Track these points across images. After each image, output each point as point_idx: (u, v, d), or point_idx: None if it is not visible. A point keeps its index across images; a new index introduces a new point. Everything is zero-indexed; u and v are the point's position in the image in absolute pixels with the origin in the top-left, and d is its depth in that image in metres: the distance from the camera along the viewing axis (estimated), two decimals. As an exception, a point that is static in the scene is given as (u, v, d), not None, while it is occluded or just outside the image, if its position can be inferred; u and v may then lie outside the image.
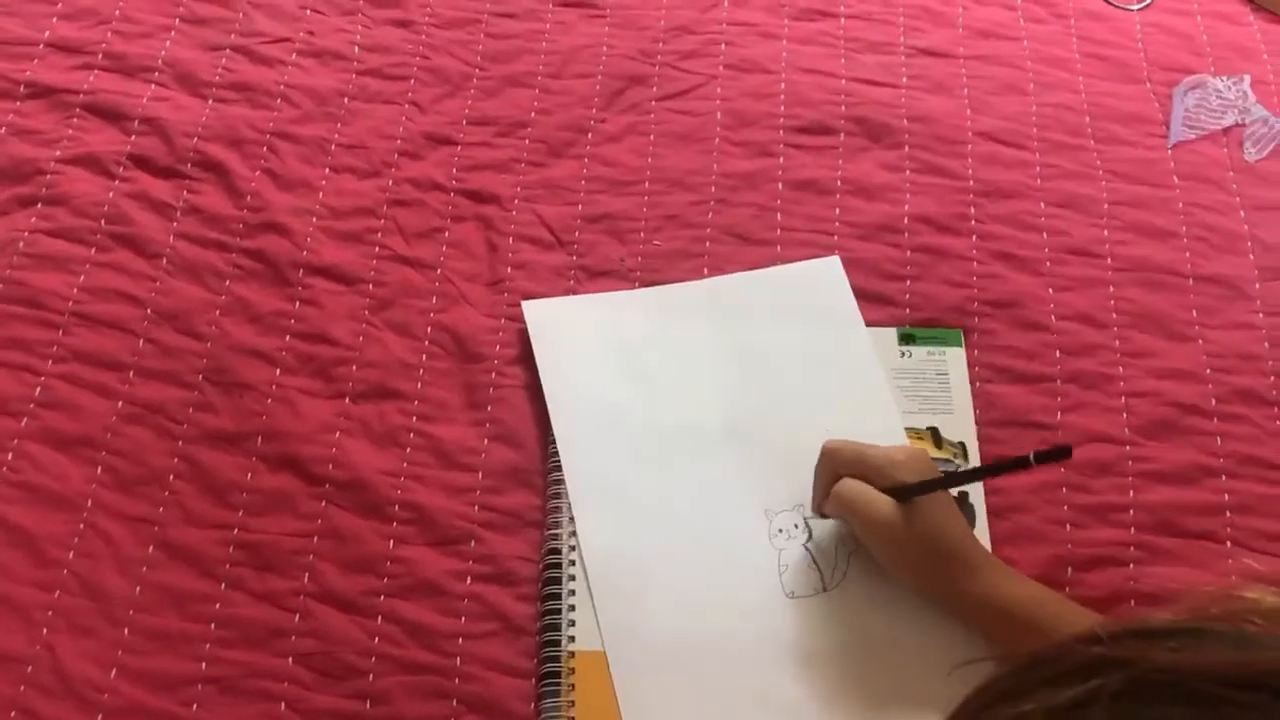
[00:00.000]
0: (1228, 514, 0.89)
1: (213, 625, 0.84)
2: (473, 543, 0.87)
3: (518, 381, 0.94)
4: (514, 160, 1.07)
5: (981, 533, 0.87)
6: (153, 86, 1.09)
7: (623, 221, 1.03)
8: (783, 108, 1.10)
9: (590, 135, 1.08)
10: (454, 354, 0.96)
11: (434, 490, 0.89)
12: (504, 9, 1.16)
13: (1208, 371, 0.96)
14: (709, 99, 1.11)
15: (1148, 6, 1.19)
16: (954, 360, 0.96)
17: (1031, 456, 0.77)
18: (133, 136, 1.06)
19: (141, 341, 0.95)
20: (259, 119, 1.07)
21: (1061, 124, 1.10)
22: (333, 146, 1.06)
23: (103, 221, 1.01)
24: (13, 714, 0.79)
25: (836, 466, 0.83)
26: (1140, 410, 0.94)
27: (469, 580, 0.86)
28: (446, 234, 1.02)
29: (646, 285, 1.00)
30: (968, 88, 1.12)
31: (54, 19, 1.13)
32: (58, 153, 1.05)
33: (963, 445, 0.92)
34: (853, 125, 1.09)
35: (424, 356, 0.96)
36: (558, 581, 0.85)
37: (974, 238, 1.03)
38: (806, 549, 0.87)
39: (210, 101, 1.08)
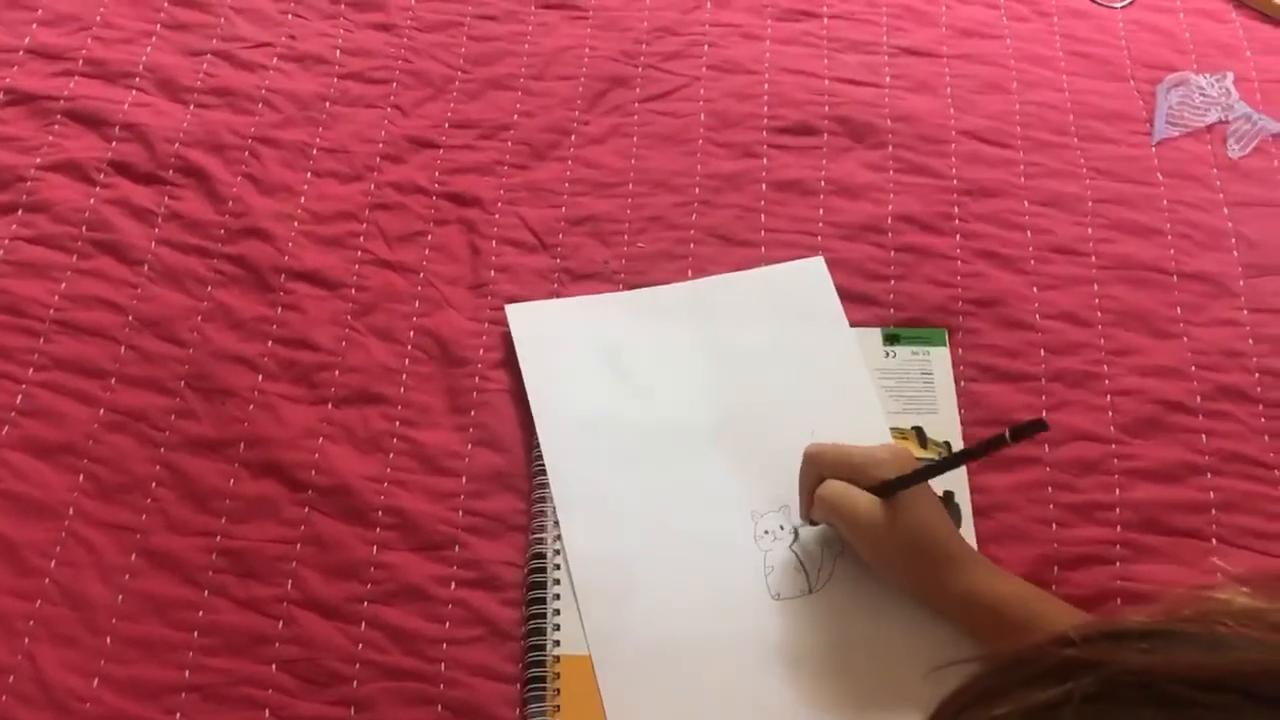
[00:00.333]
0: (1213, 511, 0.89)
1: (196, 633, 0.83)
2: (457, 548, 0.87)
3: (501, 385, 0.94)
4: (497, 163, 1.06)
5: (967, 532, 0.87)
6: (133, 92, 1.09)
7: (606, 224, 1.03)
8: (766, 108, 1.10)
9: (573, 137, 1.08)
10: (437, 358, 0.95)
11: (417, 495, 0.89)
12: (485, 11, 1.16)
13: (1192, 369, 0.96)
14: (692, 100, 1.11)
15: (1130, 4, 1.19)
16: (938, 360, 0.95)
17: (1008, 434, 0.76)
18: (113, 143, 1.05)
19: (123, 348, 0.95)
20: (240, 124, 1.07)
21: (1045, 122, 1.10)
22: (314, 151, 1.06)
23: (84, 228, 1.01)
24: (-6, 725, 0.79)
25: (820, 469, 0.83)
26: (1125, 408, 0.94)
27: (453, 585, 0.85)
28: (429, 237, 1.02)
29: (630, 287, 0.99)
30: (951, 87, 1.12)
31: (34, 25, 1.13)
32: (38, 159, 1.04)
33: (948, 444, 0.92)
34: (836, 125, 1.09)
35: (407, 361, 0.95)
36: (542, 586, 0.85)
37: (958, 237, 1.03)
38: (792, 551, 0.87)
39: (191, 107, 1.08)
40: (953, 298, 0.99)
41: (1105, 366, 0.96)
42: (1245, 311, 0.99)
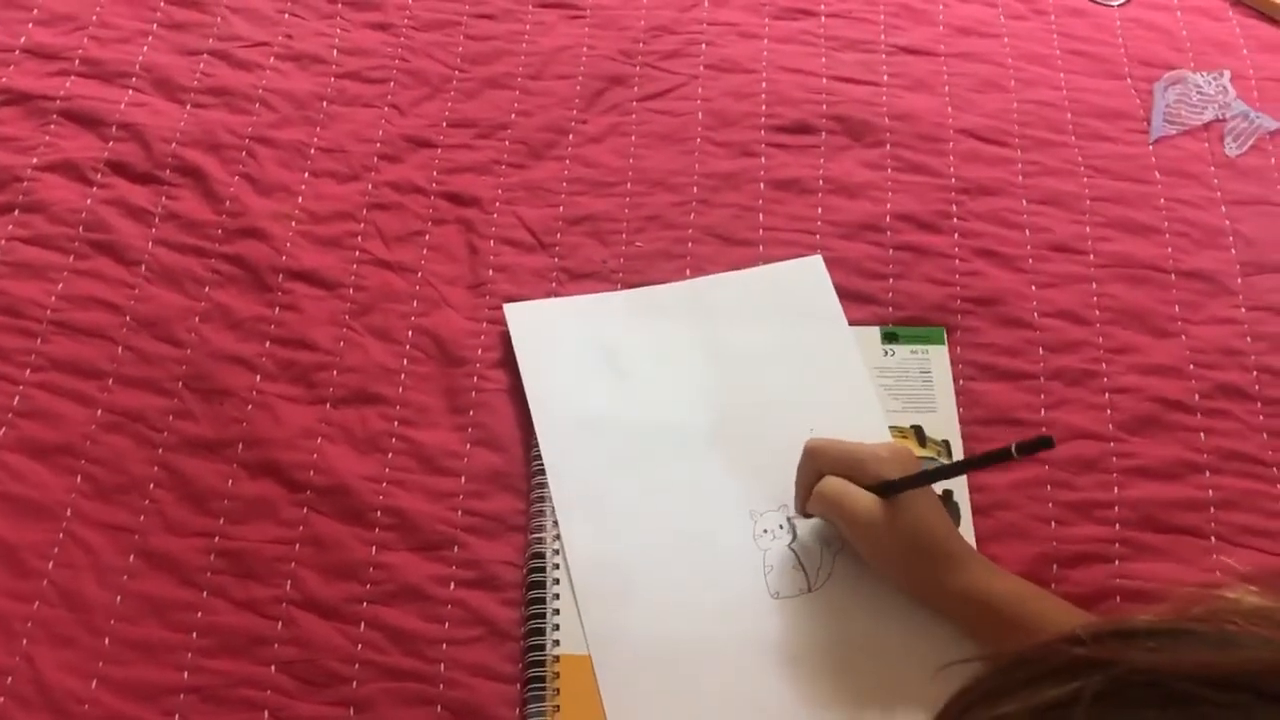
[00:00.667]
0: (1211, 509, 0.89)
1: (194, 634, 0.83)
2: (456, 548, 0.87)
3: (500, 385, 0.94)
4: (494, 162, 1.06)
5: (966, 530, 0.87)
6: (130, 92, 1.08)
7: (604, 223, 1.03)
8: (764, 107, 1.10)
9: (571, 136, 1.08)
10: (435, 358, 0.95)
11: (416, 495, 0.89)
12: (483, 10, 1.16)
13: (1190, 367, 0.96)
14: (690, 99, 1.11)
15: (1127, 3, 1.19)
16: (937, 358, 0.95)
17: (1013, 448, 0.76)
18: (110, 143, 1.05)
19: (120, 349, 0.94)
20: (237, 124, 1.07)
21: (1043, 120, 1.10)
22: (312, 150, 1.06)
23: (81, 228, 1.00)
24: (-8, 726, 0.79)
25: (819, 465, 0.83)
26: (1124, 406, 0.94)
27: (452, 585, 0.85)
28: (427, 237, 1.02)
29: (629, 287, 0.99)
30: (949, 85, 1.12)
31: (30, 25, 1.12)
32: (35, 160, 1.04)
33: (946, 443, 0.92)
34: (834, 124, 1.09)
35: (405, 361, 0.95)
36: (542, 585, 0.85)
37: (956, 235, 1.03)
38: (791, 549, 0.87)
39: (188, 107, 1.08)
40: (951, 296, 0.99)
41: (1104, 365, 0.96)
42: (1243, 309, 0.99)
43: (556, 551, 0.86)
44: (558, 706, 0.80)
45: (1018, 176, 1.06)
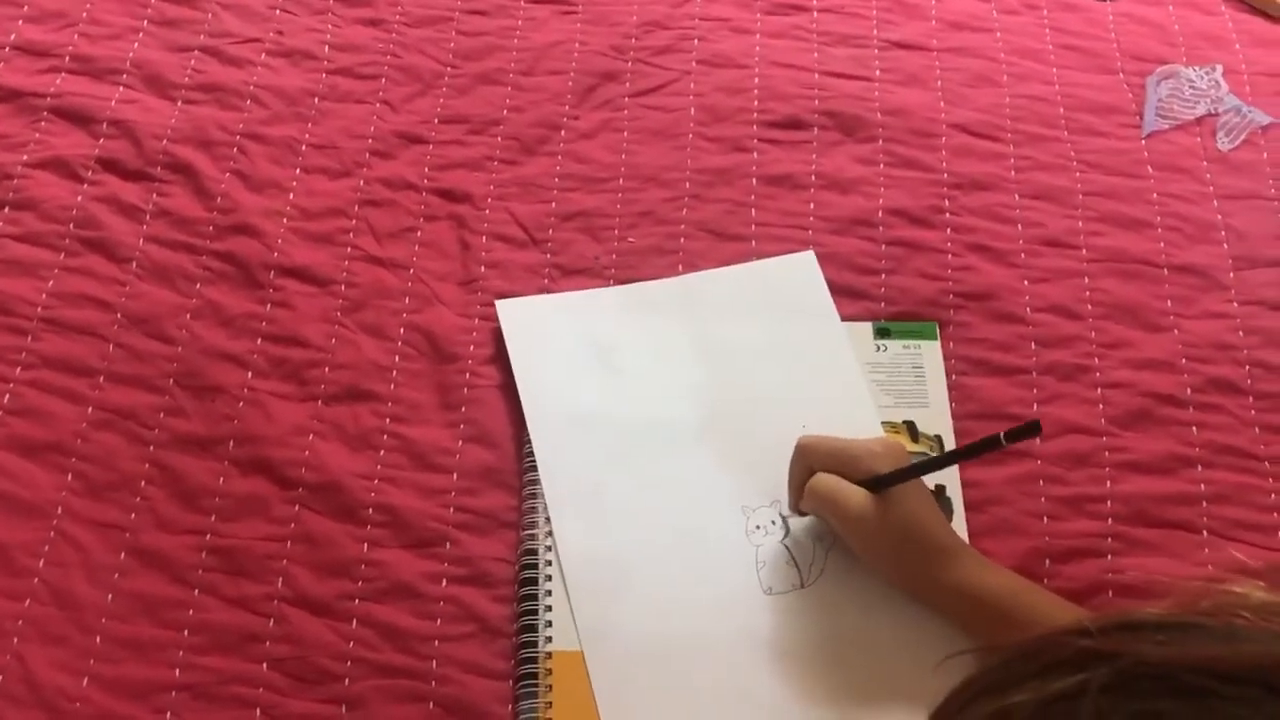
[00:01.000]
0: (1204, 504, 0.90)
1: (186, 632, 0.83)
2: (448, 544, 0.87)
3: (492, 381, 0.94)
4: (486, 158, 1.06)
5: (959, 526, 0.87)
6: (121, 89, 1.08)
7: (597, 219, 1.03)
8: (756, 102, 1.10)
9: (563, 132, 1.08)
10: (427, 355, 0.95)
11: (408, 492, 0.89)
12: (475, 6, 1.16)
13: (1183, 361, 0.96)
14: (682, 94, 1.11)
15: (1120, -3, 1.19)
16: (929, 353, 0.95)
17: (1002, 436, 0.76)
18: (101, 139, 1.05)
19: (111, 346, 0.94)
20: (228, 120, 1.06)
21: (1035, 115, 1.10)
22: (303, 147, 1.06)
23: (71, 225, 1.00)
24: (-17, 725, 0.78)
25: (811, 461, 0.83)
26: (1116, 401, 0.94)
27: (444, 582, 0.85)
28: (419, 233, 1.02)
29: (621, 283, 0.99)
30: (941, 80, 1.12)
31: (20, 21, 1.12)
32: (25, 157, 1.04)
33: (939, 438, 0.92)
34: (826, 119, 1.09)
35: (397, 358, 0.95)
36: (534, 582, 0.84)
37: (948, 230, 1.03)
38: (784, 545, 0.87)
39: (179, 103, 1.07)
40: (943, 291, 0.99)
41: (1096, 359, 0.96)
42: (1235, 304, 0.99)
43: (549, 548, 0.86)
44: (550, 703, 0.80)
45: (1010, 171, 1.06)
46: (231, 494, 0.88)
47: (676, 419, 0.92)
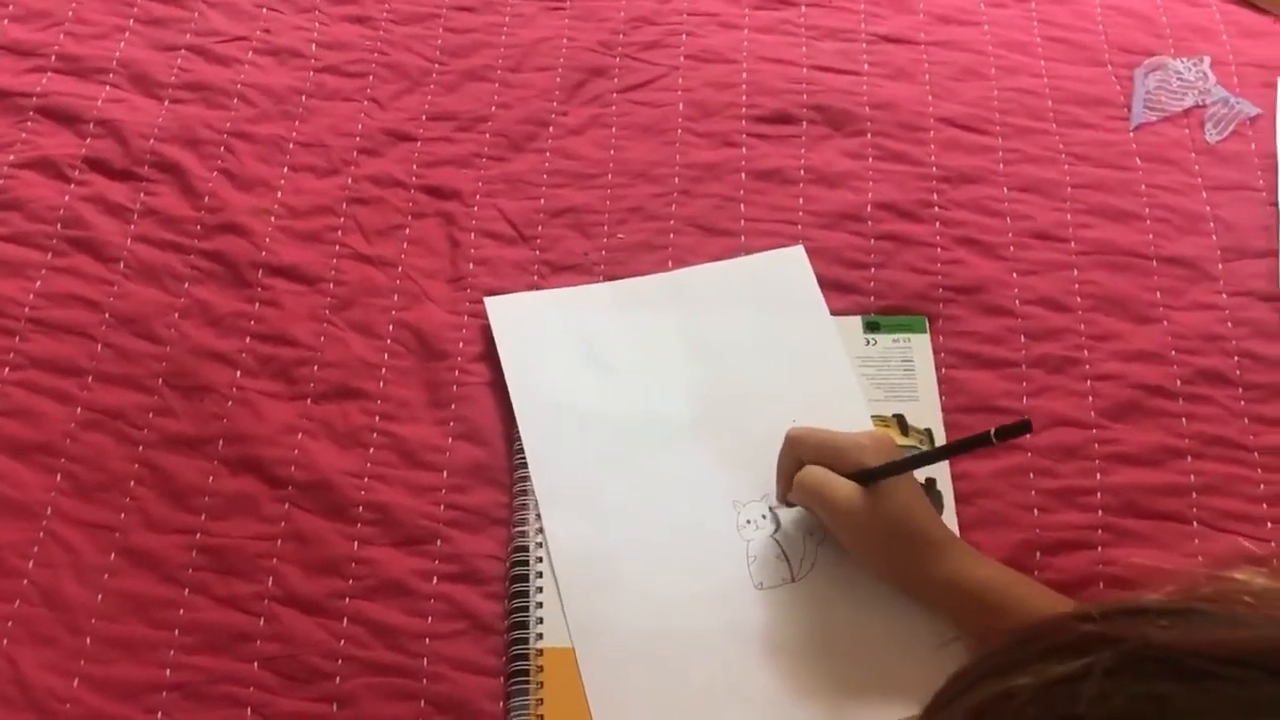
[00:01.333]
0: (1194, 495, 0.90)
1: (176, 631, 0.83)
2: (438, 542, 0.87)
3: (481, 378, 0.94)
4: (475, 155, 1.06)
5: (949, 518, 0.87)
6: (107, 88, 1.08)
7: (586, 215, 1.03)
8: (744, 97, 1.10)
9: (551, 129, 1.08)
10: (416, 352, 0.95)
11: (398, 490, 0.89)
12: (462, 3, 1.15)
13: (1172, 353, 0.96)
14: (670, 90, 1.10)
15: (1108, -11, 1.19)
16: (919, 347, 0.95)
17: (992, 433, 0.76)
18: (88, 139, 1.05)
19: (100, 346, 0.94)
20: (215, 119, 1.06)
21: (1023, 108, 1.10)
22: (291, 145, 1.05)
23: (59, 226, 1.00)
24: (-27, 726, 0.78)
25: (800, 453, 0.83)
26: (1105, 393, 0.94)
27: (435, 580, 0.85)
28: (407, 231, 1.01)
29: (610, 279, 0.99)
30: (929, 73, 1.12)
31: (5, 21, 1.12)
32: (11, 157, 1.03)
33: (929, 432, 0.92)
34: (814, 113, 1.09)
35: (386, 355, 0.95)
36: (525, 579, 0.84)
37: (937, 224, 1.03)
38: (775, 540, 0.87)
39: (166, 102, 1.07)
40: (933, 285, 0.99)
41: (1085, 352, 0.96)
42: (1224, 295, 0.99)
43: (539, 545, 0.86)
44: (541, 699, 0.80)
45: (998, 164, 1.06)
46: (221, 493, 0.88)
47: (666, 414, 0.92)
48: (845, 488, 0.80)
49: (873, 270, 1.00)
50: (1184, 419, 0.93)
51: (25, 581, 0.84)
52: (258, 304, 0.97)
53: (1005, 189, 1.05)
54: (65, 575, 0.84)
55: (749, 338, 0.96)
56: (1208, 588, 0.41)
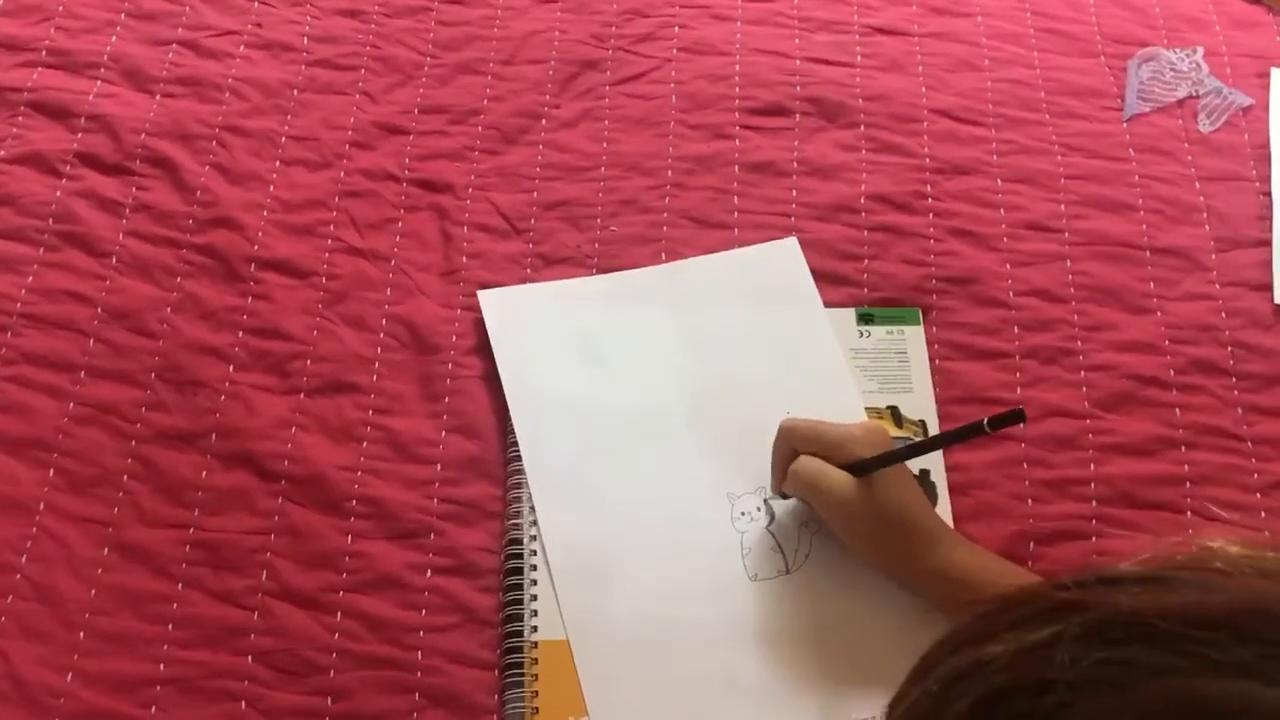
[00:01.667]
0: (1188, 484, 0.90)
1: (170, 626, 0.83)
2: (432, 535, 0.86)
3: (475, 372, 0.94)
4: (467, 148, 1.06)
5: (943, 510, 0.87)
6: (99, 83, 1.07)
7: (579, 208, 1.02)
8: (738, 89, 1.10)
9: (544, 121, 1.07)
10: (410, 346, 0.95)
11: (392, 483, 0.88)
12: (454, -4, 1.15)
13: (1166, 343, 0.96)
14: (663, 82, 1.10)
15: (1101, -20, 1.19)
16: (913, 339, 0.95)
17: (986, 423, 0.76)
18: (79, 134, 1.04)
19: (92, 341, 0.94)
20: (207, 113, 1.06)
21: (1017, 99, 1.10)
22: (283, 139, 1.05)
23: (50, 221, 0.99)
24: (-33, 722, 0.78)
25: (794, 444, 0.83)
26: (1099, 383, 0.94)
27: (429, 573, 0.85)
28: (400, 224, 1.01)
29: (604, 271, 0.99)
30: (922, 65, 1.12)
31: (-5, 16, 1.11)
32: (2, 152, 1.03)
33: (923, 423, 0.92)
34: (808, 105, 1.09)
35: (379, 349, 0.95)
36: (519, 571, 0.84)
37: (931, 216, 1.02)
38: (769, 531, 0.87)
39: (158, 97, 1.07)
40: (926, 276, 0.99)
41: (1079, 342, 0.96)
42: (1217, 285, 0.99)
43: (534, 537, 0.86)
44: (536, 692, 0.80)
45: (992, 156, 1.06)
46: (214, 488, 0.88)
47: (660, 407, 0.92)
48: (839, 479, 0.80)
49: (866, 262, 0.99)
50: (1178, 409, 0.93)
51: (18, 576, 0.84)
52: (250, 298, 0.96)
53: (999, 180, 1.05)
54: (59, 570, 0.84)
55: (743, 330, 0.96)
56: (1182, 555, 0.41)
